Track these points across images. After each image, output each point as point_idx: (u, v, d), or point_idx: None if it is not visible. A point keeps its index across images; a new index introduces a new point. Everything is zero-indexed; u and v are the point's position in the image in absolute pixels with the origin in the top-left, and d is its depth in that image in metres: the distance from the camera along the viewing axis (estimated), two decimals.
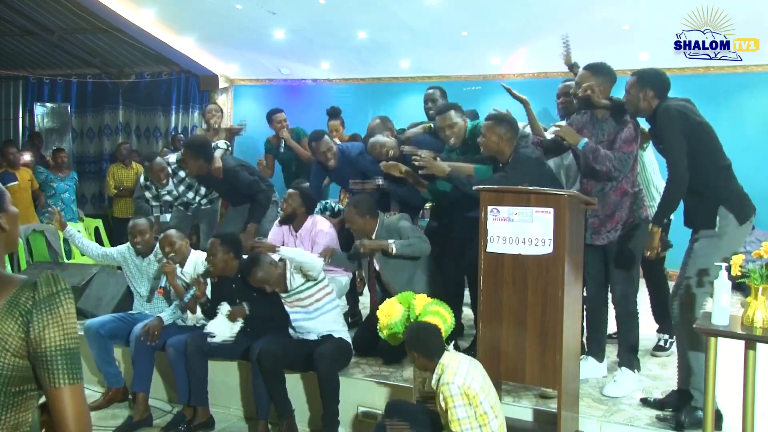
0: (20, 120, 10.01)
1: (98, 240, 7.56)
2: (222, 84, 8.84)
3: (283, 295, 3.90)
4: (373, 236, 4.13)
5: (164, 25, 7.72)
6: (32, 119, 9.46)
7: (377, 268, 4.18)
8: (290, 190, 4.66)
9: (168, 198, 5.25)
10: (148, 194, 5.23)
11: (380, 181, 4.56)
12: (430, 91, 5.02)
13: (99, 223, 7.76)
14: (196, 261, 4.29)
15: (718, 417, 3.16)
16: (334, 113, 6.10)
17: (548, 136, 3.92)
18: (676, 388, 3.47)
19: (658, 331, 4.42)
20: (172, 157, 5.15)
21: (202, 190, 5.27)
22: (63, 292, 1.41)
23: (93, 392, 4.34)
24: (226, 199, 5.50)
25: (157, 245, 4.44)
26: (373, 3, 6.62)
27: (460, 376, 2.79)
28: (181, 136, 8.49)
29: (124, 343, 4.32)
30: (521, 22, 6.59)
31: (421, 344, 2.98)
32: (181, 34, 7.91)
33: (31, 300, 1.38)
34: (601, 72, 3.65)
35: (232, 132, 6.61)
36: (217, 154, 4.98)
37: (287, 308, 3.93)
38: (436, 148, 4.37)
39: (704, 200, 3.25)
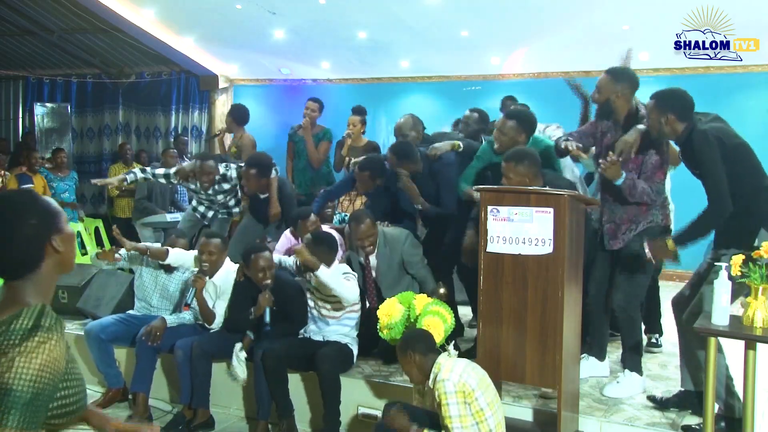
0: (20, 120, 10.02)
1: (98, 240, 7.57)
2: (222, 84, 8.85)
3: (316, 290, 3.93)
4: (375, 250, 4.14)
5: (164, 25, 7.72)
6: (32, 119, 9.45)
7: (374, 274, 4.24)
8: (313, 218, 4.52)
9: (200, 195, 5.28)
10: (192, 186, 5.26)
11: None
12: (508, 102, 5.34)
13: (99, 223, 7.77)
14: (227, 272, 4.20)
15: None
16: (358, 110, 5.85)
17: (570, 146, 3.65)
18: (678, 388, 3.47)
19: (646, 332, 4.40)
20: (221, 169, 5.14)
21: (232, 202, 5.35)
22: (41, 330, 1.31)
23: (93, 392, 4.33)
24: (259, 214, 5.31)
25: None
26: (373, 3, 6.62)
27: (456, 373, 2.80)
28: (185, 138, 8.47)
29: (130, 344, 4.29)
30: (521, 22, 6.58)
31: (416, 341, 2.99)
32: (181, 34, 7.91)
33: (5, 326, 1.31)
34: (622, 78, 3.55)
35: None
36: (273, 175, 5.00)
37: (315, 306, 3.95)
38: (458, 168, 4.31)
39: (744, 221, 3.10)
